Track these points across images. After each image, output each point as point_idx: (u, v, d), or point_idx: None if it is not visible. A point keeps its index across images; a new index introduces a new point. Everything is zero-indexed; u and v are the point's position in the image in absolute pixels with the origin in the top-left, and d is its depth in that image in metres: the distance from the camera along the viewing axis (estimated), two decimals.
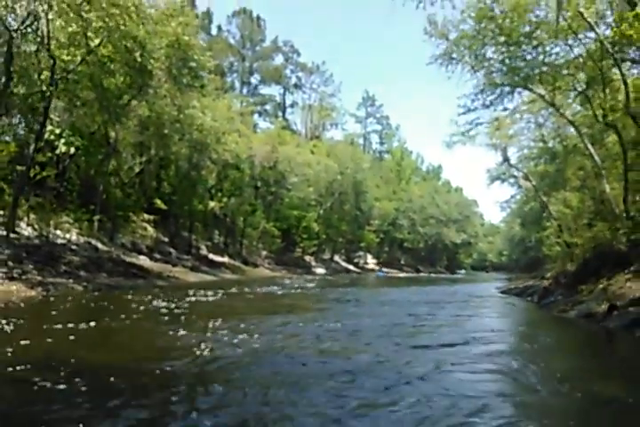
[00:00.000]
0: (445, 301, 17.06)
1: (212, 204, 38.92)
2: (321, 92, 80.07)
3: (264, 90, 77.13)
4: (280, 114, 77.99)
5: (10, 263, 14.64)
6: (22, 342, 6.19)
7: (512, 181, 42.23)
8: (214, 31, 68.20)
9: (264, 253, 47.35)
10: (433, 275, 64.87)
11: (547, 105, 23.27)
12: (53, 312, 9.75)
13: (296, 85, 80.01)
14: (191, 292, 15.41)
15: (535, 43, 17.54)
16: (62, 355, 5.72)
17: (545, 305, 14.35)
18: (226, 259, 38.22)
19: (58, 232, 22.10)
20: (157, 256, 28.26)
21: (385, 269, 64.75)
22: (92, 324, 8.05)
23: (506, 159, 32.69)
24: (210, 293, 15.50)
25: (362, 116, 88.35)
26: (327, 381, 5.04)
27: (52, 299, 12.33)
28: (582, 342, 8.93)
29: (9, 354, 5.63)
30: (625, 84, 15.23)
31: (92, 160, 28.01)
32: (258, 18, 70.79)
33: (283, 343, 7.01)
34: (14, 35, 16.62)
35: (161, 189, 36.80)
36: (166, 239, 33.95)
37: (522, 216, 55.82)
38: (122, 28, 18.23)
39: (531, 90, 21.58)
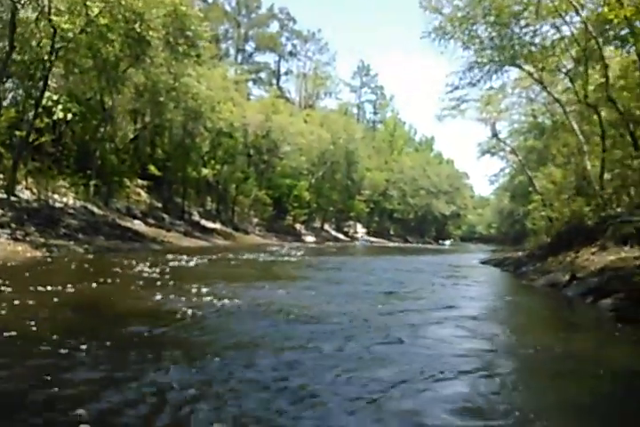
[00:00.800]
0: (425, 270, 17.99)
1: (205, 171, 39.45)
2: (316, 60, 79.73)
3: (259, 57, 76.80)
4: (274, 82, 77.77)
5: (13, 225, 15.38)
6: (15, 302, 6.55)
7: (501, 154, 42.89)
8: None
9: (255, 220, 48.16)
10: (420, 245, 66.07)
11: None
12: (51, 273, 10.53)
13: (291, 53, 79.58)
14: (184, 256, 16.10)
15: (523, 23, 18.06)
16: (45, 318, 5.97)
17: (518, 275, 15.35)
18: (218, 225, 39.02)
19: (55, 196, 22.76)
20: (151, 221, 29.00)
21: (368, 238, 65.79)
22: (85, 285, 8.56)
23: (495, 134, 33.35)
24: (201, 258, 16.28)
25: (356, 85, 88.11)
26: (301, 343, 5.40)
27: (49, 260, 13.11)
28: (540, 306, 9.90)
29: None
30: (605, 66, 15.87)
31: (88, 126, 28.47)
32: None
33: (261, 308, 7.41)
34: (18, 6, 16.95)
35: (155, 155, 37.30)
36: (159, 205, 34.64)
37: (511, 189, 56.73)
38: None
39: (519, 67, 22.14)
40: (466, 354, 5.23)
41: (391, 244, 64.42)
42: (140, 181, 33.52)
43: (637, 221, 11.35)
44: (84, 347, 4.71)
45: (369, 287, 11.05)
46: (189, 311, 6.70)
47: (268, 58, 79.72)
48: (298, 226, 54.66)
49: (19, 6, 17.26)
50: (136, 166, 33.94)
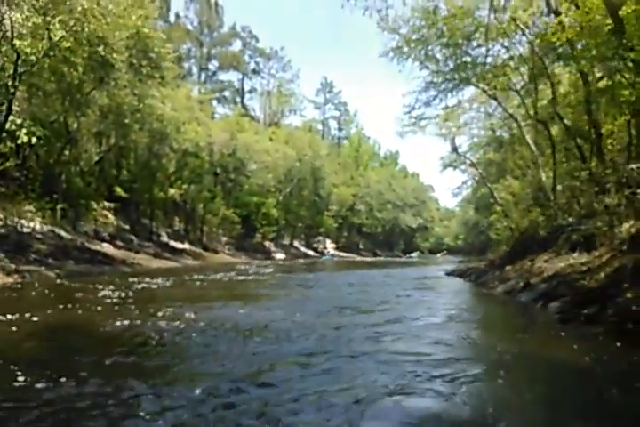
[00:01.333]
0: (391, 283, 18.49)
1: (171, 191, 39.67)
2: (279, 77, 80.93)
3: (222, 76, 77.59)
4: (239, 100, 78.49)
5: None
6: None
7: (463, 168, 44.17)
8: (172, 18, 68.02)
9: (224, 239, 48.28)
10: (389, 258, 66.89)
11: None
12: (19, 300, 10.71)
13: (254, 71, 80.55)
14: (152, 279, 16.21)
15: (475, 44, 19.03)
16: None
17: (479, 284, 16.04)
18: (187, 245, 39.06)
19: (22, 221, 22.70)
20: (120, 244, 29.00)
21: (336, 253, 66.05)
22: (51, 312, 8.66)
23: (454, 148, 34.34)
24: (169, 279, 16.43)
25: (320, 102, 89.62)
26: (263, 364, 5.45)
27: (19, 286, 13.22)
28: (496, 312, 10.56)
29: None
30: (552, 84, 16.84)
31: (52, 149, 28.47)
32: (216, 4, 71.07)
33: (221, 330, 7.50)
34: None
35: (121, 177, 37.31)
36: (127, 227, 34.59)
37: (474, 201, 58.11)
38: (85, 25, 18.86)
39: (474, 85, 23.12)
40: (427, 361, 5.67)
41: (360, 258, 65.05)
42: (106, 204, 33.46)
43: (585, 230, 12.11)
44: (40, 379, 4.66)
45: (334, 303, 11.26)
46: (152, 336, 6.87)
47: (232, 76, 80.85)
48: (267, 243, 54.91)
49: None
50: (102, 189, 33.94)
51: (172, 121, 31.01)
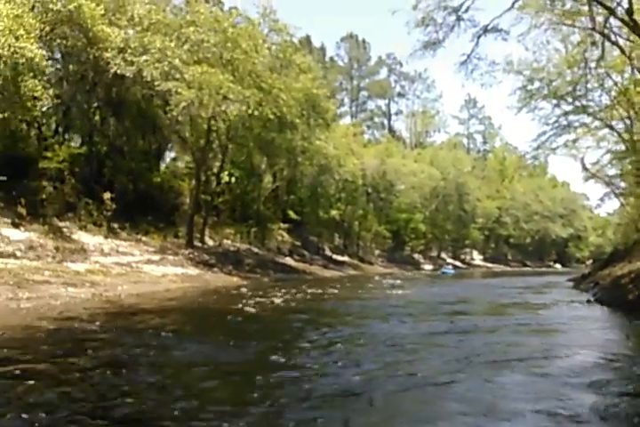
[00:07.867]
0: (515, 289, 23.27)
1: (332, 212, 46.78)
2: (423, 98, 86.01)
3: (371, 103, 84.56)
4: (386, 122, 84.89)
5: (219, 265, 22.95)
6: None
7: (606, 179, 46.19)
8: (327, 59, 76.38)
9: (377, 252, 54.64)
10: (537, 269, 69.07)
11: None
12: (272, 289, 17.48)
13: (400, 94, 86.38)
14: (335, 282, 22.83)
15: (577, 93, 23.38)
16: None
17: (577, 285, 20.53)
18: (346, 258, 45.84)
19: (228, 242, 30.64)
20: (296, 257, 36.32)
21: (480, 263, 69.12)
22: (300, 295, 15.31)
23: (584, 167, 37.32)
24: (347, 283, 22.89)
25: (464, 118, 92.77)
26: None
27: (244, 284, 20.20)
28: (567, 298, 15.43)
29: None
30: None
31: (242, 184, 36.74)
32: (363, 41, 78.99)
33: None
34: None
35: (292, 202, 45.08)
36: (299, 243, 42.04)
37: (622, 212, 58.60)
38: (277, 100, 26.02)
39: (590, 114, 27.12)
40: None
41: (508, 268, 68.00)
42: (282, 225, 41.19)
43: None
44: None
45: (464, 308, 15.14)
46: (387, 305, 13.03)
47: (380, 102, 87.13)
48: (416, 255, 60.37)
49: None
50: (278, 213, 41.80)
51: (334, 157, 37.76)
